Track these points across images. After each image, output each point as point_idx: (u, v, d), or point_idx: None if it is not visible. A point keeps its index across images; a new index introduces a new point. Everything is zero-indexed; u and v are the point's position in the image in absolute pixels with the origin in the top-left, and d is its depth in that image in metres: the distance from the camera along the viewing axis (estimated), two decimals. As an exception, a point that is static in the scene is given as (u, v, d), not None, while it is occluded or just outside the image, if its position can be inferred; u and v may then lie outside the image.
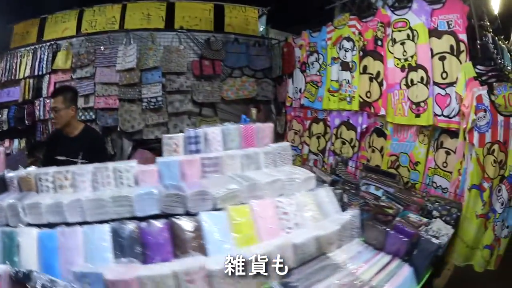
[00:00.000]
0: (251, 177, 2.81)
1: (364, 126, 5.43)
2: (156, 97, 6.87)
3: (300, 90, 6.71)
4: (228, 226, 2.41)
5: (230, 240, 2.36)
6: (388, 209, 3.81)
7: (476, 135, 3.79)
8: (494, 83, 3.88)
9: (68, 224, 2.35)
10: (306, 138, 6.48)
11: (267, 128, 3.41)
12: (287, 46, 7.17)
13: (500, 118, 3.80)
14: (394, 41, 4.97)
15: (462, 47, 4.24)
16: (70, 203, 2.39)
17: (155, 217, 2.43)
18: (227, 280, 2.05)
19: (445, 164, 4.40)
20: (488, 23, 4.26)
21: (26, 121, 7.11)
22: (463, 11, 4.23)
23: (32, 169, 2.75)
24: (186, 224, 2.33)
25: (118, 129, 6.91)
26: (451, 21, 4.34)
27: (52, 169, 2.72)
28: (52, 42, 7.24)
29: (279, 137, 7.13)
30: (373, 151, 5.30)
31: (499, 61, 4.01)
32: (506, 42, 4.71)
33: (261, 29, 8.04)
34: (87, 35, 7.17)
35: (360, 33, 5.52)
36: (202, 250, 2.27)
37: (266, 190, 2.72)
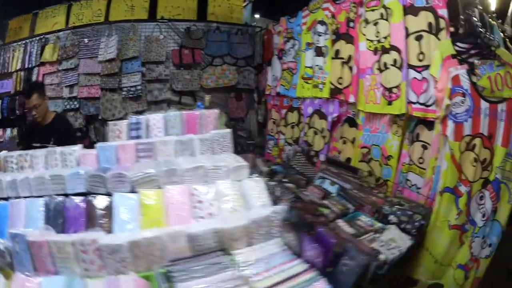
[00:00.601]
0: (176, 162, 2.49)
1: (335, 115, 4.28)
2: (136, 86, 6.06)
3: (278, 78, 5.58)
4: (137, 208, 2.21)
5: (135, 221, 2.15)
6: (324, 208, 2.92)
7: (450, 125, 2.68)
8: (476, 61, 2.68)
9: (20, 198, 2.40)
10: (282, 127, 5.31)
11: (211, 114, 2.96)
12: (267, 33, 6.11)
13: (484, 104, 2.67)
14: (366, 21, 3.85)
15: (442, 24, 3.08)
16: (21, 180, 2.46)
17: (84, 194, 2.34)
18: (114, 256, 1.87)
19: (421, 160, 3.27)
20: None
21: (17, 111, 6.47)
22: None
23: (2, 153, 2.81)
24: (99, 202, 2.25)
25: (100, 117, 6.19)
26: (431, -4, 3.16)
27: (16, 153, 2.78)
28: (42, 37, 6.58)
29: (261, 126, 6.23)
30: (344, 142, 4.18)
31: (486, 36, 2.77)
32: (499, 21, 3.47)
33: (246, 17, 6.97)
34: (73, 28, 6.46)
35: (333, 16, 4.37)
36: (108, 227, 2.14)
37: (186, 176, 2.39)
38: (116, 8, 6.40)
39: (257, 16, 7.90)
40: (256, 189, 2.35)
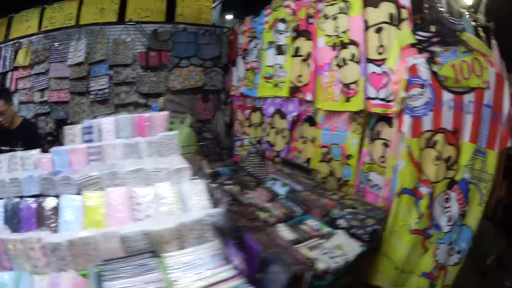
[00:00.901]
0: (119, 165, 2.33)
1: (295, 114, 3.77)
2: (103, 89, 5.55)
3: (242, 78, 5.05)
4: (81, 209, 2.10)
5: (79, 222, 2.04)
6: (263, 212, 2.51)
7: (407, 120, 2.22)
8: (438, 49, 2.19)
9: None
10: (246, 128, 4.78)
11: (160, 117, 2.70)
12: (233, 33, 5.59)
13: (447, 96, 2.20)
14: (325, 17, 3.38)
15: (405, 14, 2.64)
16: (-15, 183, 2.41)
17: (39, 196, 2.24)
18: (55, 254, 1.79)
19: (383, 159, 2.81)
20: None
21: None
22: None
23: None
24: (48, 204, 2.16)
25: (69, 121, 5.57)
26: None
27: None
28: (16, 41, 6.04)
29: (228, 127, 5.68)
30: (304, 142, 3.69)
31: (450, 22, 2.29)
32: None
33: (215, 18, 6.41)
34: (45, 32, 5.91)
35: (294, 13, 3.87)
36: (55, 227, 2.05)
37: (128, 179, 2.24)
38: (86, 12, 5.84)
39: (229, 16, 7.42)
40: (195, 191, 2.15)
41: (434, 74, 2.17)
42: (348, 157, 3.09)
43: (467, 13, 2.78)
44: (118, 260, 1.74)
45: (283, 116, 3.95)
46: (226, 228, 1.93)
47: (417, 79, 2.17)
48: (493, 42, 2.80)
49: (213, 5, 6.29)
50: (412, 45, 2.33)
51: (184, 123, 5.39)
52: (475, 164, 2.22)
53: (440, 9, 2.44)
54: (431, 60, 2.18)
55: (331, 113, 3.26)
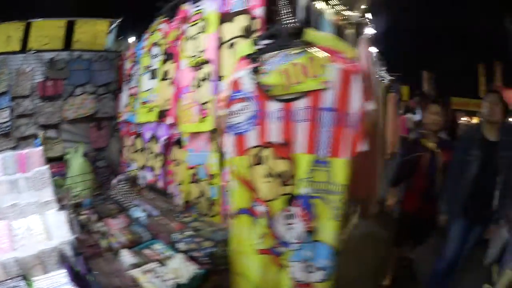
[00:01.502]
0: (1, 200, 2.37)
1: (165, 137, 3.47)
2: (5, 122, 5.03)
3: (126, 104, 4.65)
4: None
5: None
6: (108, 239, 2.42)
7: (230, 138, 1.90)
8: (267, 56, 1.96)
9: None
10: (133, 154, 4.39)
11: (36, 153, 2.68)
12: (121, 58, 5.24)
13: (273, 106, 1.93)
14: (188, 37, 3.13)
15: (257, 25, 2.43)
16: None
17: None
18: None
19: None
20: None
21: None
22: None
23: None
24: None
25: None
26: (249, -3, 2.51)
27: None
28: None
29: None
30: (177, 164, 3.35)
31: (294, 24, 2.05)
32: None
33: (111, 42, 5.89)
34: None
35: (165, 36, 3.59)
36: None
37: (7, 213, 2.31)
38: (-4, 40, 5.28)
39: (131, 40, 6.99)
40: (58, 222, 2.31)
41: (259, 84, 1.94)
42: (212, 176, 2.84)
43: (334, 10, 2.63)
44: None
45: (157, 140, 3.65)
46: (71, 256, 2.08)
47: (239, 94, 1.95)
48: (363, 37, 2.60)
49: (110, 29, 5.86)
50: (248, 56, 2.10)
51: (78, 152, 4.92)
52: (317, 176, 1.87)
53: (288, 12, 2.21)
54: (255, 70, 1.95)
55: (194, 134, 3.00)
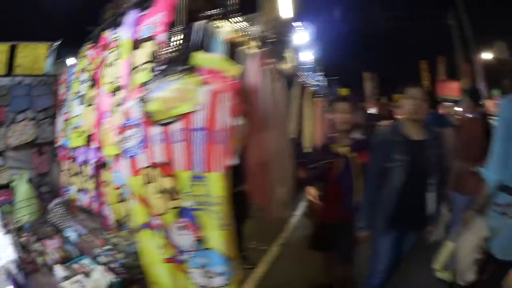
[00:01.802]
0: None
1: (94, 160, 3.62)
2: None
3: (61, 129, 4.74)
4: None
5: None
6: (43, 257, 2.84)
7: (125, 162, 2.12)
8: (151, 83, 2.18)
9: None
10: (70, 178, 4.49)
11: None
12: (57, 83, 5.26)
13: (156, 130, 2.19)
14: (107, 64, 3.29)
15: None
16: None
17: None
18: None
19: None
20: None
21: None
22: (171, 5, 2.54)
23: None
24: None
25: None
26: (156, 23, 2.66)
27: None
28: None
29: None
30: (107, 186, 3.49)
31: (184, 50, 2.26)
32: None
33: (51, 66, 5.88)
34: None
35: (91, 62, 3.71)
36: None
37: None
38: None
39: (69, 62, 6.87)
40: (4, 244, 2.66)
41: (144, 112, 2.16)
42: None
43: (234, 27, 2.76)
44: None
45: (88, 164, 3.79)
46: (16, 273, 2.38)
47: (130, 121, 2.16)
48: (256, 52, 2.79)
49: (49, 52, 5.86)
50: (143, 84, 2.31)
51: (22, 179, 4.97)
52: (196, 191, 2.11)
53: (179, 38, 2.38)
54: (142, 99, 2.17)
55: (117, 156, 3.17)
